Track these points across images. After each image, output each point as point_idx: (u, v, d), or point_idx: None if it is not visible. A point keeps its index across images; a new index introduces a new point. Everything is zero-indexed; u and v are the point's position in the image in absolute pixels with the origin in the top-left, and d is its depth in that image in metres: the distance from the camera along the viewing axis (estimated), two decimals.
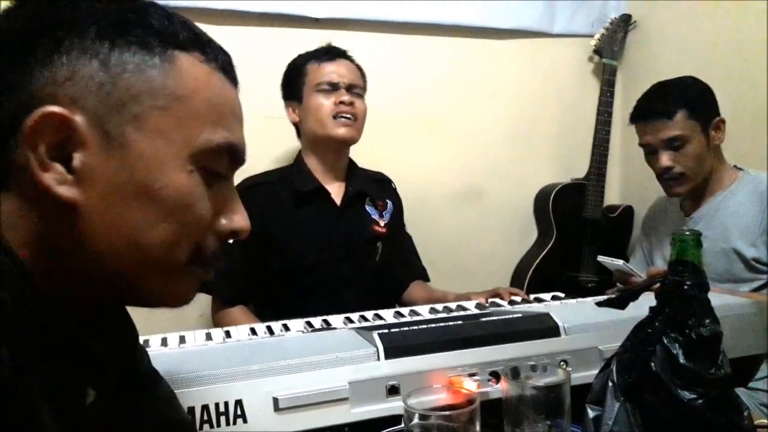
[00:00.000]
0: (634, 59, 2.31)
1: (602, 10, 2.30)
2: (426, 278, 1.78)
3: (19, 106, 0.47)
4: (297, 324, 1.17)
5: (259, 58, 1.93)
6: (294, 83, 1.60)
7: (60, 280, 0.49)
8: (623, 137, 2.39)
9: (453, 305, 1.31)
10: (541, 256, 2.21)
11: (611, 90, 2.21)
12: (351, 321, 1.19)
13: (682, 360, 0.62)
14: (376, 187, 1.70)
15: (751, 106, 1.79)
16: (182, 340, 1.02)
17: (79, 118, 0.47)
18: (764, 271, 1.51)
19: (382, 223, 1.66)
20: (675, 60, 2.12)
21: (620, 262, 1.51)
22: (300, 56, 1.63)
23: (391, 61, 2.05)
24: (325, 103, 1.55)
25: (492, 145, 2.27)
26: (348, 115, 1.55)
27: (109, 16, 0.50)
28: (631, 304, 0.71)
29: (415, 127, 2.12)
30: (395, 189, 1.77)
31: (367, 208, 1.66)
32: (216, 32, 1.66)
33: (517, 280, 2.27)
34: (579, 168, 2.29)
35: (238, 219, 0.56)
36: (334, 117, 1.54)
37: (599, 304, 0.70)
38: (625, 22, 2.29)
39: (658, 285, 0.66)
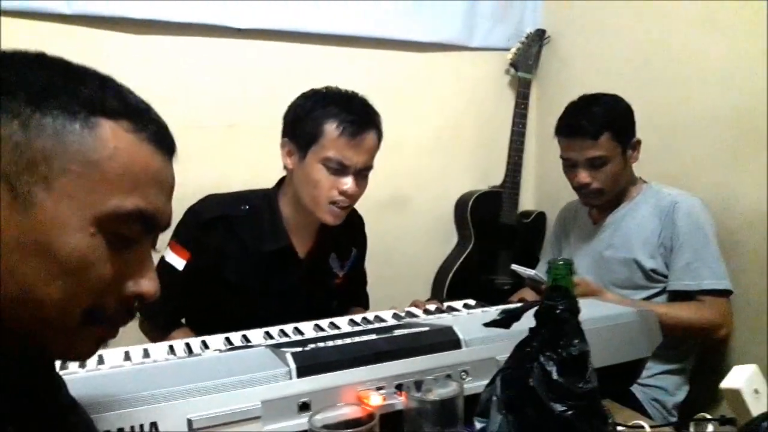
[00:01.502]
0: (548, 73, 2.41)
1: (518, 25, 2.40)
2: (366, 307, 1.73)
3: None
4: (216, 341, 1.19)
5: (182, 68, 1.95)
6: (301, 132, 1.38)
7: None
8: (537, 147, 2.49)
9: (371, 316, 1.35)
10: (460, 261, 2.28)
11: (525, 102, 2.30)
12: (270, 336, 1.21)
13: (555, 376, 0.70)
14: (345, 236, 1.57)
15: (657, 119, 1.88)
16: (100, 360, 1.03)
17: None
18: (660, 280, 1.60)
19: (341, 274, 1.58)
20: (587, 73, 2.21)
21: (532, 271, 1.58)
22: (321, 101, 1.38)
23: (312, 72, 2.04)
24: (326, 184, 1.36)
25: (415, 155, 2.31)
26: (345, 204, 1.39)
27: (40, 81, 0.52)
28: (523, 319, 0.78)
29: None
30: (363, 228, 1.67)
31: (331, 261, 1.56)
32: (139, 42, 1.65)
33: (438, 284, 2.33)
34: (496, 176, 2.37)
35: (146, 284, 0.57)
36: (330, 202, 1.38)
37: (486, 324, 0.77)
38: (539, 37, 2.39)
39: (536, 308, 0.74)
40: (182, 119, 1.79)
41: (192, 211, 1.44)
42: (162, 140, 0.57)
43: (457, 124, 2.38)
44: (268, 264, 1.44)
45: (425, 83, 2.31)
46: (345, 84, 2.03)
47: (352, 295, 1.68)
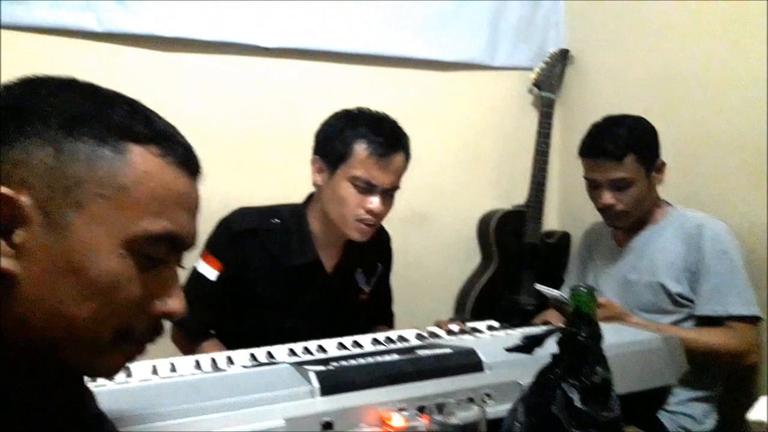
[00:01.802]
0: (572, 92, 2.40)
1: (542, 45, 2.38)
2: (390, 326, 1.74)
3: None
4: (241, 357, 1.20)
5: (210, 85, 1.98)
6: (331, 149, 1.42)
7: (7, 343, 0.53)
8: (561, 166, 2.47)
9: (394, 336, 1.36)
10: (483, 280, 2.26)
11: (549, 122, 2.29)
12: (294, 353, 1.22)
13: (577, 403, 0.70)
14: (371, 252, 1.59)
15: (682, 140, 1.86)
16: (128, 373, 1.04)
17: (24, 199, 0.52)
18: (687, 305, 1.58)
19: (367, 290, 1.60)
20: (610, 93, 2.19)
21: (556, 292, 1.57)
22: (353, 121, 1.42)
23: (336, 90, 2.08)
24: (353, 202, 1.40)
25: (437, 172, 2.31)
26: (371, 222, 1.42)
27: (72, 108, 0.54)
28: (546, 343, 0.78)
29: None
30: (389, 244, 1.69)
31: (357, 276, 1.59)
32: (168, 60, 1.66)
33: (460, 303, 2.31)
34: (519, 195, 2.35)
35: (173, 302, 0.58)
36: (356, 220, 1.41)
37: (508, 349, 0.77)
38: (563, 57, 2.37)
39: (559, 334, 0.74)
40: (209, 135, 1.88)
41: (224, 223, 1.48)
42: (188, 163, 0.59)
43: (480, 143, 2.39)
44: (295, 277, 1.47)
45: (448, 102, 2.31)
46: (368, 102, 2.03)
47: (378, 312, 1.69)
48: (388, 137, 1.41)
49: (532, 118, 2.38)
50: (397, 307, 1.79)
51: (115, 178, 0.54)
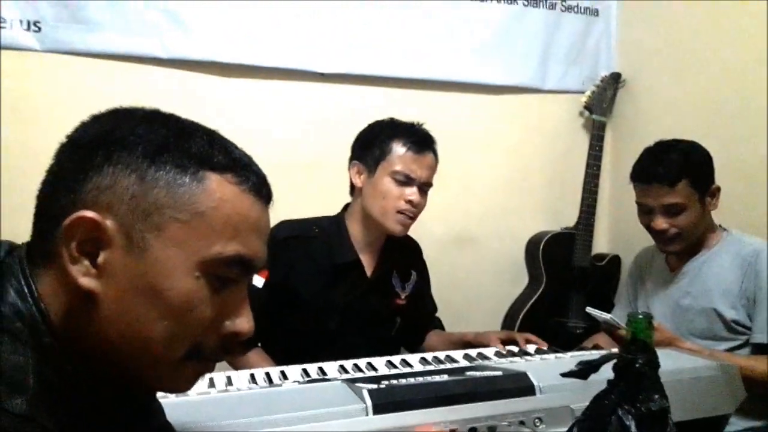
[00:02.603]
0: (623, 115, 2.38)
1: (593, 68, 2.40)
2: (442, 327, 1.80)
3: (67, 204, 0.55)
4: (294, 372, 1.23)
5: (267, 110, 2.03)
6: (371, 151, 1.54)
7: (77, 355, 0.55)
8: (612, 189, 2.45)
9: (442, 355, 1.37)
10: (531, 302, 2.24)
11: (600, 145, 2.28)
12: (345, 370, 1.24)
13: (633, 431, 0.68)
14: (405, 257, 1.67)
15: (736, 164, 1.83)
16: None
17: (109, 222, 0.54)
18: (743, 332, 1.55)
19: (402, 296, 1.64)
20: (662, 117, 2.18)
21: (608, 315, 1.55)
22: (389, 125, 1.56)
23: (387, 113, 2.07)
24: (394, 194, 1.50)
25: (487, 194, 2.33)
26: (410, 214, 1.52)
27: (156, 138, 0.57)
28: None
29: None
30: (420, 253, 1.76)
31: (393, 280, 1.64)
32: (227, 85, 1.71)
33: (508, 325, 2.29)
34: (569, 217, 2.34)
35: (242, 323, 0.60)
36: (397, 211, 1.50)
37: (564, 375, 0.76)
38: (614, 80, 2.36)
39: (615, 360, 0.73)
40: (265, 159, 1.90)
41: (271, 233, 1.53)
42: (261, 190, 0.61)
43: (530, 166, 2.39)
44: (336, 277, 1.54)
45: (499, 125, 2.33)
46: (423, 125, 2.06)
47: (420, 320, 1.73)
48: (421, 137, 1.54)
49: (583, 141, 2.39)
50: (446, 324, 1.81)
51: (193, 204, 0.56)
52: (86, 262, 0.54)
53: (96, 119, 0.59)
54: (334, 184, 1.97)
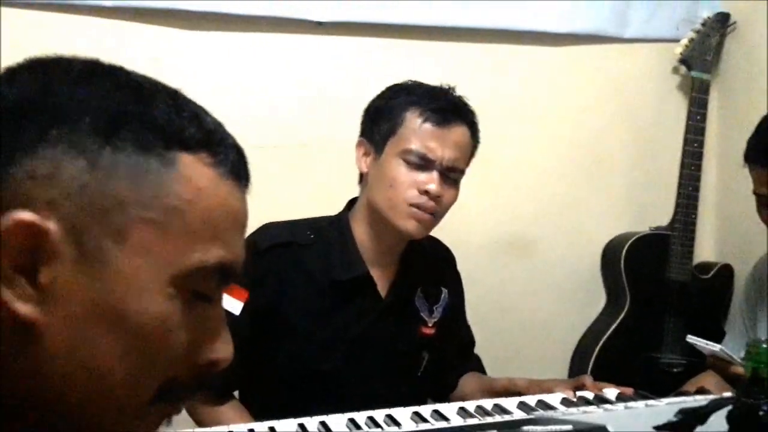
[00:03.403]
0: (734, 72, 2.37)
1: (691, 8, 2.36)
2: (482, 369, 1.79)
3: None
4: (288, 428, 1.23)
5: (246, 72, 2.05)
6: (379, 123, 1.52)
7: (13, 403, 0.54)
8: (720, 174, 2.44)
9: (488, 404, 1.35)
10: (609, 331, 2.24)
11: (702, 113, 2.25)
12: (357, 426, 1.23)
13: None
14: (433, 271, 1.67)
15: None
16: None
17: (53, 227, 0.52)
18: None
19: (431, 323, 1.63)
20: None
21: (717, 347, 1.55)
22: (403, 89, 1.54)
23: (411, 73, 2.02)
24: (405, 181, 1.47)
25: (544, 183, 2.32)
26: (429, 208, 1.47)
27: (108, 106, 0.55)
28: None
29: None
30: (454, 265, 1.77)
31: (417, 302, 1.62)
32: (194, 39, 1.84)
33: (577, 365, 2.29)
34: (660, 213, 2.32)
35: (221, 348, 0.60)
36: (410, 204, 1.47)
37: (658, 428, 0.76)
38: (721, 24, 2.34)
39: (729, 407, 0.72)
40: (244, 137, 1.92)
41: (248, 242, 1.49)
42: (240, 172, 0.61)
43: (604, 143, 2.37)
44: (340, 301, 1.53)
45: (560, 88, 2.32)
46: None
47: (452, 355, 1.73)
48: (445, 104, 1.50)
49: (678, 108, 2.36)
50: (489, 365, 1.79)
51: (164, 197, 0.55)
52: (23, 282, 0.52)
53: (12, 76, 0.57)
54: (337, 170, 2.00)
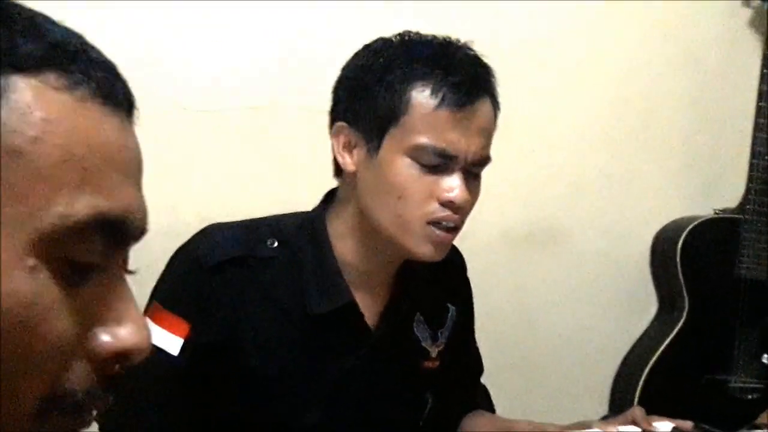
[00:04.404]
0: None
1: None
2: (490, 407, 1.71)
3: None
4: None
5: (182, 25, 1.94)
6: (368, 105, 1.33)
7: None
8: None
9: None
10: (663, 346, 2.11)
11: None
12: None
13: None
14: (437, 284, 1.51)
15: None
16: None
17: None
18: None
19: (434, 353, 1.48)
20: None
21: None
22: (401, 56, 1.34)
23: (388, 27, 1.82)
24: (420, 192, 1.29)
25: (576, 158, 2.20)
26: (452, 223, 1.31)
27: None
28: None
29: None
30: (464, 272, 1.63)
31: (417, 329, 1.47)
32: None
33: (623, 387, 2.18)
34: (728, 194, 2.22)
35: (126, 332, 0.57)
36: (428, 222, 1.30)
37: None
38: None
39: None
40: (177, 99, 1.88)
41: (187, 254, 1.36)
42: (112, 93, 0.56)
43: (651, 103, 2.23)
44: (316, 333, 1.37)
45: (594, 34, 2.19)
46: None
47: (460, 391, 1.61)
48: (465, 75, 1.28)
49: (750, 53, 2.22)
50: (504, 396, 1.75)
51: None
52: None
53: None
54: (290, 138, 1.98)
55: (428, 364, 1.47)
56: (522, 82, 2.10)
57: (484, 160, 1.31)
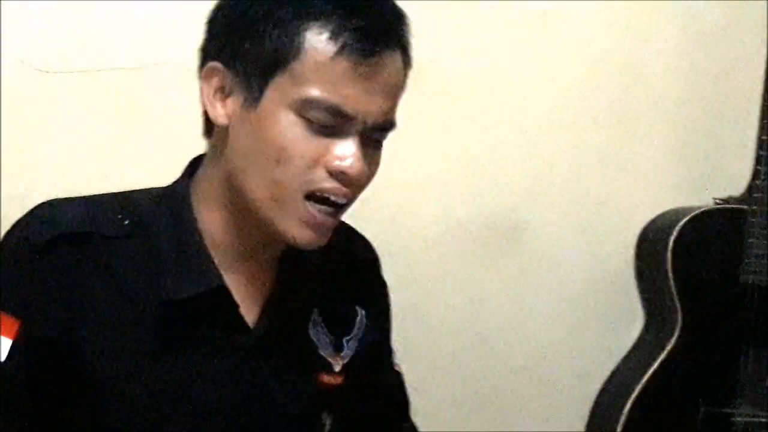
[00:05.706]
0: None
1: None
2: None
3: None
4: None
5: None
6: (253, 47, 1.23)
7: None
8: None
9: None
10: (652, 369, 1.97)
11: None
12: None
13: None
14: (340, 278, 1.41)
15: None
16: None
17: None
18: None
19: (338, 366, 1.37)
20: None
21: None
22: None
23: None
24: (304, 156, 1.19)
25: (543, 136, 2.07)
26: (341, 198, 1.19)
27: None
28: None
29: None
30: (378, 270, 1.51)
31: (313, 332, 1.35)
32: None
33: (601, 418, 2.06)
34: (728, 180, 2.08)
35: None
36: (307, 197, 1.19)
37: None
38: None
39: None
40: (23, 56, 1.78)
41: (13, 236, 1.27)
42: None
43: (636, 66, 2.11)
44: (178, 331, 1.25)
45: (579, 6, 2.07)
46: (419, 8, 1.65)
47: (373, 418, 1.48)
48: (373, 18, 1.18)
49: (758, 23, 2.04)
50: (455, 421, 1.84)
51: None
52: None
53: None
54: (175, 103, 1.85)
55: (327, 378, 1.34)
56: (474, 40, 2.03)
57: (388, 125, 1.17)
